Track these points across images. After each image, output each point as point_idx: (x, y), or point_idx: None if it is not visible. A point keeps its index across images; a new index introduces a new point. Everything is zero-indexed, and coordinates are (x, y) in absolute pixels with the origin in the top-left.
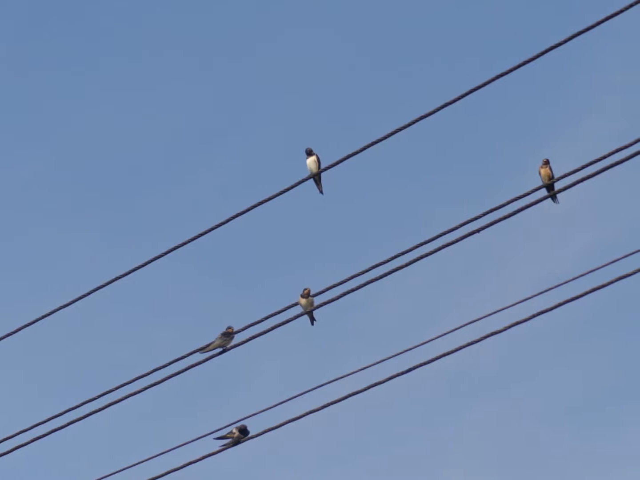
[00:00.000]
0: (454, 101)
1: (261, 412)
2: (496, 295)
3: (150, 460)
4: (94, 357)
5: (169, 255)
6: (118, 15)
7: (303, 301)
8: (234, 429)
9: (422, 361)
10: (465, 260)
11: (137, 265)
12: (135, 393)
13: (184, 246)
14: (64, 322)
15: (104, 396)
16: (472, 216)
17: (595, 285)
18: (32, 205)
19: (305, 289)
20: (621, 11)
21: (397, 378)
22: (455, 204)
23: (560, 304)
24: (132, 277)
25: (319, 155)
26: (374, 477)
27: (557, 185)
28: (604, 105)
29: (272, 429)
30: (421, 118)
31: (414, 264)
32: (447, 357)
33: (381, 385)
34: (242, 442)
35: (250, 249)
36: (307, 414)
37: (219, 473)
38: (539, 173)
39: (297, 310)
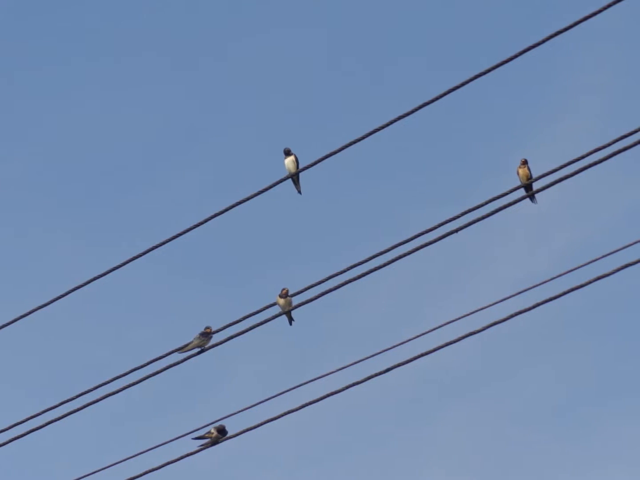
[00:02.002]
0: (432, 101)
1: (239, 412)
2: (474, 295)
3: (129, 460)
4: (72, 357)
5: (147, 255)
6: (100, 15)
7: (281, 301)
8: (212, 429)
9: (400, 361)
10: (444, 260)
11: (115, 265)
12: (113, 393)
13: (163, 246)
14: (43, 322)
15: (82, 396)
16: (450, 216)
17: (573, 285)
18: (11, 204)
19: (283, 289)
20: (599, 11)
21: (376, 378)
22: (434, 204)
23: (538, 304)
24: (111, 276)
25: (298, 155)
26: (353, 477)
27: (536, 185)
28: (582, 106)
29: (251, 429)
30: (399, 118)
31: (392, 264)
32: (425, 357)
33: (360, 385)
34: (221, 442)
35: (229, 248)
36: (285, 414)
37: (197, 473)
38: (517, 173)
39: (276, 310)
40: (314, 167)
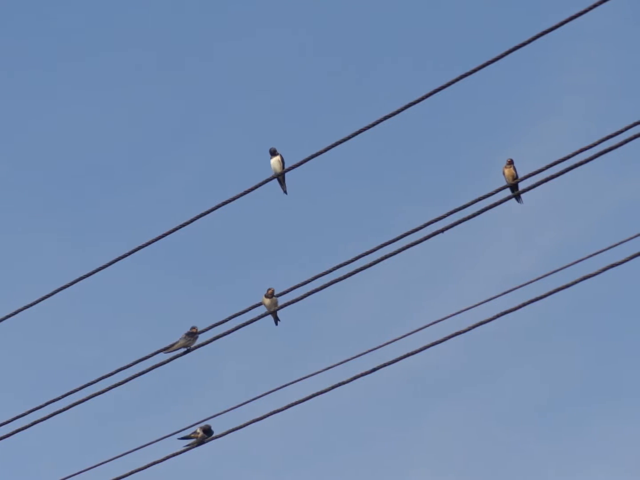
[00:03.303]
0: (418, 101)
1: (225, 412)
2: (460, 295)
3: (115, 460)
4: (58, 357)
5: (132, 255)
6: (85, 15)
7: (267, 301)
8: (198, 429)
9: (386, 361)
10: (430, 260)
11: (101, 265)
12: (99, 393)
13: (148, 246)
14: (28, 322)
15: (68, 396)
16: (437, 216)
17: (559, 286)
18: None
19: (269, 289)
20: (584, 12)
21: (362, 378)
22: (420, 204)
23: (524, 304)
24: (96, 276)
25: (283, 155)
26: (339, 477)
27: (522, 185)
28: (567, 106)
29: (237, 429)
30: (385, 118)
31: (379, 264)
32: (411, 357)
33: (346, 385)
34: (207, 442)
35: (215, 248)
36: (271, 413)
37: (183, 473)
38: (503, 173)
39: (261, 310)
40: (300, 167)
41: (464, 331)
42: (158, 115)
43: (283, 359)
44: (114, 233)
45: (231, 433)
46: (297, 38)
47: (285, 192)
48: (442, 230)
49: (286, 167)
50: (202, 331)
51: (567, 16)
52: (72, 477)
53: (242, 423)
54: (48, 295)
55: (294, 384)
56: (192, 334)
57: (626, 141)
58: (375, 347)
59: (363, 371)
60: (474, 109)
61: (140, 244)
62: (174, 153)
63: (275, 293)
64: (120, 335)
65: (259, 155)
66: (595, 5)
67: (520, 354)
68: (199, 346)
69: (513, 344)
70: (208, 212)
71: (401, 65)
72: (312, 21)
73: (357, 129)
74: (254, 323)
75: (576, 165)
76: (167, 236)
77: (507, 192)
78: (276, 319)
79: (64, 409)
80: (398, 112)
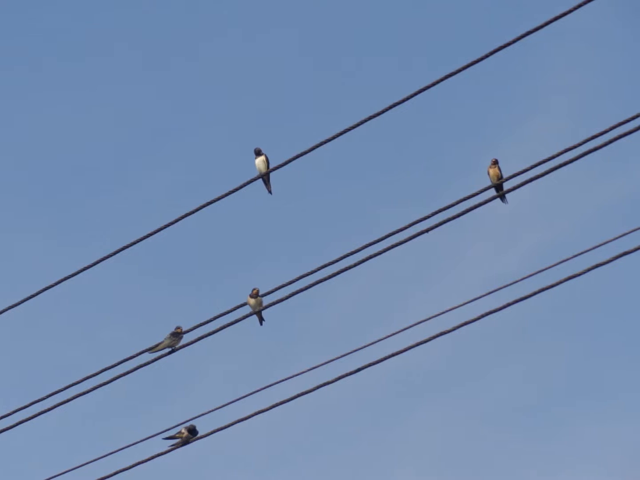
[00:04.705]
0: (403, 101)
1: (210, 412)
2: (445, 295)
3: (99, 460)
4: (43, 357)
5: (117, 255)
6: (70, 15)
7: (252, 301)
8: (183, 429)
9: (371, 361)
10: (414, 260)
11: (86, 265)
12: (84, 393)
13: (133, 246)
14: (13, 322)
15: (53, 396)
16: (421, 216)
17: (543, 285)
18: None
19: (254, 289)
20: (569, 12)
21: (346, 378)
22: (404, 204)
23: (508, 304)
24: (81, 277)
25: (268, 156)
26: (324, 477)
27: (506, 185)
28: (552, 106)
29: (221, 428)
30: (370, 118)
31: (363, 264)
32: (396, 357)
33: (330, 385)
34: (191, 442)
35: (200, 249)
36: (256, 413)
37: (168, 473)
38: (488, 173)
39: (246, 310)
40: (285, 167)
41: (449, 331)
42: (143, 115)
43: (268, 359)
44: (99, 233)
45: (216, 433)
46: (281, 38)
47: (270, 192)
48: (426, 230)
49: (271, 167)
50: (187, 331)
51: (551, 16)
52: (56, 477)
53: (227, 423)
54: (33, 295)
55: (279, 383)
56: (177, 334)
57: (611, 141)
58: (360, 347)
59: (348, 371)
60: (459, 108)
61: (125, 244)
62: (159, 153)
63: (260, 293)
64: (105, 335)
65: (243, 155)
66: (579, 6)
67: (505, 354)
68: (183, 346)
69: (498, 344)
70: (193, 212)
71: (386, 65)
72: (297, 21)
73: (341, 129)
74: (239, 323)
75: (561, 165)
76: (152, 236)
77: (492, 192)
78: (261, 319)
79: (49, 409)
80: (383, 112)
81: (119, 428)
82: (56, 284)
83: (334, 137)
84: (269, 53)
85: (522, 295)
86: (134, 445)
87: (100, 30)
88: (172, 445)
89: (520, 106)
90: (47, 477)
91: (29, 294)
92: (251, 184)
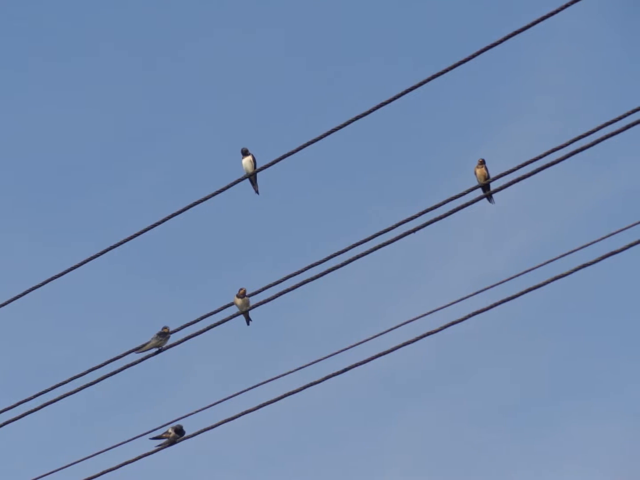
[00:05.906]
0: (390, 101)
1: (197, 412)
2: (432, 295)
3: (86, 460)
4: (29, 357)
5: (104, 255)
6: (56, 15)
7: (239, 301)
8: (169, 429)
9: (358, 361)
10: (401, 260)
11: (72, 265)
12: (70, 393)
13: (120, 246)
14: (0, 322)
15: (39, 396)
16: (408, 216)
17: (530, 286)
18: None
19: (240, 289)
20: (556, 12)
21: (333, 378)
22: (391, 204)
23: (495, 304)
24: (68, 277)
25: (255, 155)
26: (311, 477)
27: (493, 185)
28: (539, 106)
29: (208, 429)
30: (357, 118)
31: (350, 263)
32: (383, 357)
33: (317, 385)
34: (178, 442)
35: (186, 248)
36: (243, 414)
37: (154, 473)
38: (475, 173)
39: (233, 310)
40: (272, 167)
41: (436, 331)
42: (129, 115)
43: (255, 359)
44: (85, 233)
45: (203, 433)
46: (268, 38)
47: (257, 192)
48: (413, 231)
49: (258, 167)
50: (174, 331)
51: (538, 16)
52: (43, 477)
53: (214, 423)
54: (19, 296)
55: (266, 384)
56: (164, 334)
57: (597, 141)
58: (346, 347)
59: (335, 371)
60: (446, 108)
61: (111, 244)
62: (145, 153)
63: (247, 293)
64: (91, 335)
65: (230, 155)
66: (566, 6)
67: (492, 354)
68: (170, 346)
69: (484, 344)
70: (180, 212)
71: (372, 65)
72: (283, 21)
73: (328, 129)
74: (226, 323)
75: (548, 166)
76: (139, 236)
77: (479, 192)
78: (248, 319)
79: (36, 409)
80: (369, 112)
81: (106, 428)
82: (43, 284)
83: (320, 137)
84: (255, 53)
85: (509, 295)
86: (120, 445)
87: (86, 29)
88: (159, 446)
89: (507, 106)
90: (34, 478)
91: (15, 294)
92: (238, 184)
